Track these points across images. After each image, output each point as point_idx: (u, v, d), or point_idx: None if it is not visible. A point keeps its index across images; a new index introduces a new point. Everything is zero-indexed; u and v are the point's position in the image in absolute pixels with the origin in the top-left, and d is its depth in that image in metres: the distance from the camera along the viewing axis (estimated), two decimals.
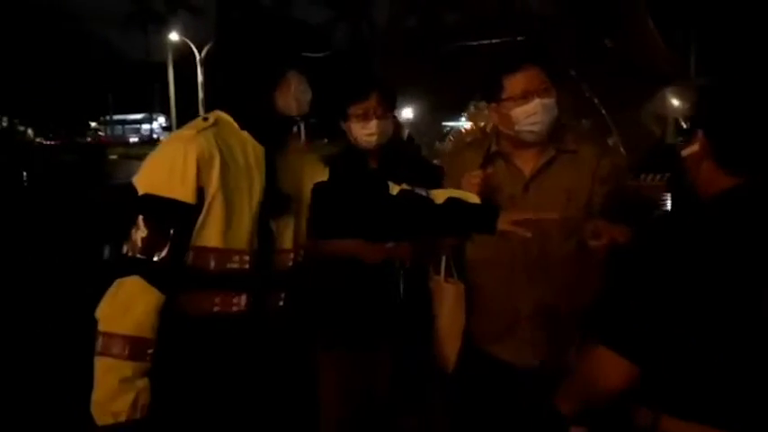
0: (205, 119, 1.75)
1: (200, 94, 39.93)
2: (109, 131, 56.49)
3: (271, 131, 1.82)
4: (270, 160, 1.80)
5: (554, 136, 2.21)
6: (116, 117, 56.65)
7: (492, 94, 2.22)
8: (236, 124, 1.78)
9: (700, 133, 1.51)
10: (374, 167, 2.56)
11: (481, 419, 2.33)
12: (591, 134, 2.78)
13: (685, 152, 1.55)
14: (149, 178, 1.67)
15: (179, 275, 1.66)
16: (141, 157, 1.92)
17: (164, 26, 42.08)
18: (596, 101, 3.22)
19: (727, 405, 1.39)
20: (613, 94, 3.25)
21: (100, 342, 1.61)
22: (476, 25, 3.71)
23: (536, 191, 2.21)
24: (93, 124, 56.93)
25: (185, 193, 1.65)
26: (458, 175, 2.27)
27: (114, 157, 32.38)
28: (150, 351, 1.63)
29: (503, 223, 1.95)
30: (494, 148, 2.27)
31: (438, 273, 2.33)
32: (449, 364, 2.34)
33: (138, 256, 1.62)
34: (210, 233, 1.68)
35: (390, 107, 2.59)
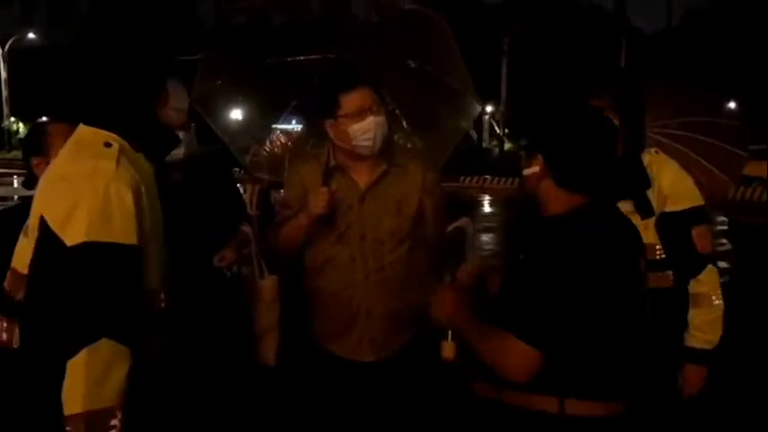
0: (107, 144, 1.54)
1: (4, 92, 36.81)
2: None
3: (160, 149, 1.71)
4: (160, 182, 1.65)
5: (385, 151, 2.42)
6: None
7: (328, 111, 2.37)
8: (128, 145, 1.59)
9: (540, 156, 1.69)
10: (178, 180, 2.47)
11: (322, 416, 2.46)
12: (415, 151, 3.22)
13: (526, 172, 1.73)
14: (83, 225, 1.43)
15: (139, 323, 1.50)
16: None
17: None
18: (397, 111, 3.62)
19: (615, 382, 1.63)
20: (417, 108, 3.69)
21: (82, 426, 1.39)
22: (300, 30, 3.92)
23: (371, 202, 2.41)
24: None
25: (130, 235, 1.46)
26: (298, 188, 2.45)
27: None
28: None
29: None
30: (332, 162, 2.43)
31: (251, 272, 2.50)
32: (270, 357, 2.47)
33: (96, 316, 1.41)
34: (151, 272, 1.55)
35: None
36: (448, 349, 1.79)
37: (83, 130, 1.62)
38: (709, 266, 2.38)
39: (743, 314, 5.90)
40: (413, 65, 3.55)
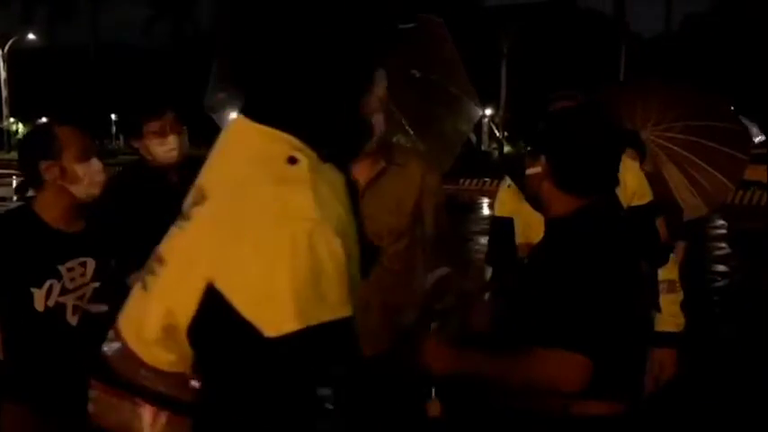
0: (292, 160, 1.02)
1: (4, 92, 36.86)
2: None
3: (354, 150, 1.21)
4: (354, 197, 1.18)
5: (384, 150, 2.46)
6: None
7: None
8: (315, 154, 1.06)
9: (542, 158, 1.71)
10: (175, 181, 2.51)
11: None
12: (415, 151, 3.27)
13: (529, 172, 1.76)
14: (290, 309, 0.96)
15: None
16: None
17: None
18: (403, 120, 3.65)
19: (620, 381, 1.64)
20: (420, 115, 3.71)
21: None
22: None
23: (370, 198, 2.41)
24: None
25: (346, 304, 1.04)
26: None
27: None
28: None
29: None
30: None
31: None
32: None
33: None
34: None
35: (182, 123, 2.63)
36: (433, 408, 1.79)
37: (248, 129, 1.07)
38: (672, 255, 2.61)
39: (742, 317, 5.94)
40: (415, 73, 3.56)
